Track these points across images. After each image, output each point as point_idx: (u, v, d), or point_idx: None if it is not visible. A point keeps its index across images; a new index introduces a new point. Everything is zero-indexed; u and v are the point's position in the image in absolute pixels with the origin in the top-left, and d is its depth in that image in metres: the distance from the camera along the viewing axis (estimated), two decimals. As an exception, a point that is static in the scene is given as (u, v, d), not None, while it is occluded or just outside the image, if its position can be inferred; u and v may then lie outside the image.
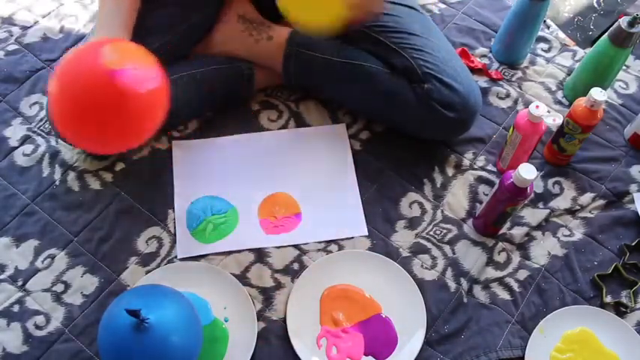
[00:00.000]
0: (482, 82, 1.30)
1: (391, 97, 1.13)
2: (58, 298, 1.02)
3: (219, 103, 1.23)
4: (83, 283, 1.04)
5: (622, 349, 1.01)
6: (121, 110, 0.85)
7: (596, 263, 1.11)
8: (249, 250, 1.08)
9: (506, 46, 1.31)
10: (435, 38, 1.14)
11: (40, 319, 1.00)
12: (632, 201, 1.17)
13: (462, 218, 1.14)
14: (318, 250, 1.09)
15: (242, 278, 1.05)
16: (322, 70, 1.17)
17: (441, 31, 1.23)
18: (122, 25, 1.02)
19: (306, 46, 1.17)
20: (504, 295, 1.07)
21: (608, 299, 1.07)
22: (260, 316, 1.02)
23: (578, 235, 1.13)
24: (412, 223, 1.13)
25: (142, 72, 0.86)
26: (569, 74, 1.33)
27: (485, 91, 1.29)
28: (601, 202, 1.17)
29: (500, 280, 1.08)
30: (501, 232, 1.12)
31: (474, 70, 1.31)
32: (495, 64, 1.34)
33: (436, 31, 1.18)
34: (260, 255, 1.08)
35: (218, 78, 1.18)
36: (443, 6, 1.44)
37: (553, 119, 1.25)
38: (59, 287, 1.03)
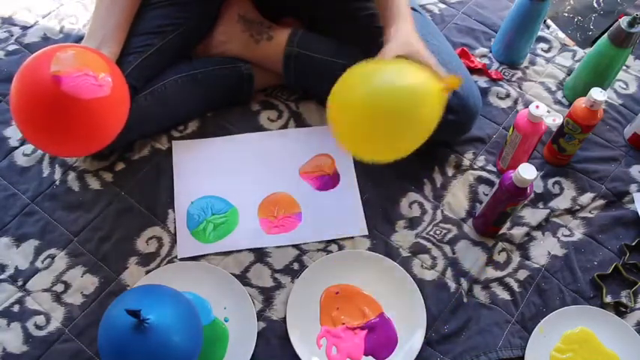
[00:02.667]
0: (482, 82, 1.30)
1: None
2: (58, 298, 1.02)
3: (219, 103, 1.23)
4: (83, 283, 1.04)
5: (622, 349, 1.01)
6: (64, 115, 0.88)
7: (596, 263, 1.11)
8: (249, 250, 1.08)
9: (506, 46, 1.31)
10: (435, 40, 1.13)
11: (40, 319, 1.00)
12: (632, 201, 1.17)
13: (462, 218, 1.14)
14: (318, 250, 1.09)
15: (242, 278, 1.05)
16: (322, 70, 1.17)
17: (441, 31, 1.23)
18: (117, 26, 1.04)
19: (305, 47, 1.17)
20: (504, 295, 1.07)
21: (608, 299, 1.07)
22: (260, 316, 1.02)
23: (578, 235, 1.13)
24: (412, 223, 1.13)
25: (89, 80, 0.88)
26: (569, 74, 1.33)
27: (485, 91, 1.29)
28: (601, 202, 1.17)
29: (500, 280, 1.08)
30: (501, 232, 1.12)
31: (474, 70, 1.32)
32: (495, 64, 1.34)
33: (436, 33, 1.18)
34: (260, 255, 1.08)
35: (218, 78, 1.18)
36: (443, 6, 1.44)
37: (553, 119, 1.25)
38: (59, 287, 1.03)
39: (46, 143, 0.95)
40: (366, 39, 1.14)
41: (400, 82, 0.86)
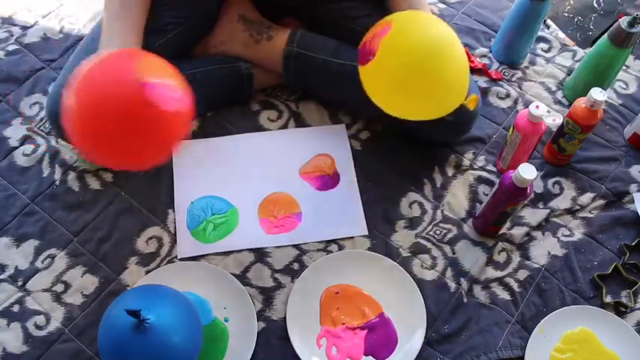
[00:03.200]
0: (482, 82, 1.30)
1: None
2: (58, 298, 1.02)
3: (219, 103, 1.23)
4: (83, 283, 1.04)
5: (622, 349, 1.01)
6: (146, 125, 0.81)
7: (596, 263, 1.11)
8: (249, 250, 1.08)
9: (506, 46, 1.31)
10: None
11: (40, 319, 1.00)
12: (632, 201, 1.17)
13: (462, 218, 1.14)
14: (318, 250, 1.09)
15: (242, 278, 1.05)
16: (321, 70, 1.17)
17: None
18: (133, 27, 1.00)
19: (305, 47, 1.17)
20: (504, 295, 1.07)
21: (608, 299, 1.07)
22: (260, 316, 1.02)
23: (578, 235, 1.13)
24: (412, 223, 1.13)
25: (170, 90, 0.82)
26: (569, 74, 1.33)
27: (485, 91, 1.29)
28: (601, 202, 1.17)
29: (500, 280, 1.08)
30: (501, 232, 1.12)
31: (474, 70, 1.31)
32: (495, 64, 1.34)
33: None
34: (260, 255, 1.08)
35: (218, 78, 1.18)
36: (443, 6, 1.44)
37: (553, 119, 1.25)
38: (59, 287, 1.03)
39: (107, 153, 0.85)
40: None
41: (442, 28, 0.92)
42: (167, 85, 0.82)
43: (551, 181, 1.19)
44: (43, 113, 1.21)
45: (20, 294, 1.03)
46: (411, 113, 0.95)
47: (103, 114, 0.80)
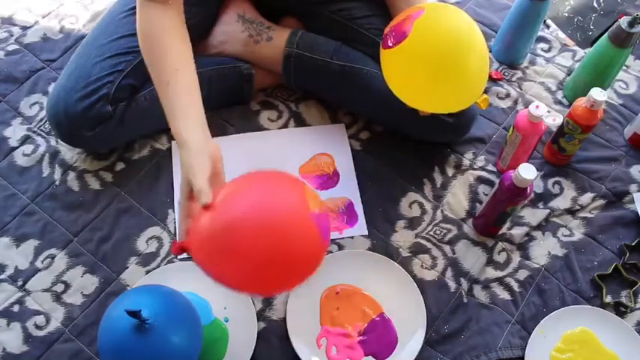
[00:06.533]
0: (482, 82, 1.30)
1: (389, 101, 1.13)
2: (58, 298, 1.02)
3: (220, 103, 1.23)
4: (83, 283, 1.04)
5: (622, 349, 1.01)
6: (308, 258, 0.75)
7: (596, 263, 1.11)
8: (249, 250, 1.08)
9: (506, 46, 1.31)
10: None
11: (40, 319, 1.00)
12: (632, 201, 1.17)
13: (462, 218, 1.14)
14: (318, 250, 1.09)
15: (242, 278, 1.05)
16: (321, 71, 1.17)
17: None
18: (200, 117, 0.91)
19: (305, 48, 1.17)
20: (504, 295, 1.07)
21: (608, 299, 1.07)
22: (260, 316, 1.02)
23: (578, 235, 1.13)
24: (412, 223, 1.13)
25: (330, 222, 0.78)
26: (569, 74, 1.33)
27: (485, 91, 1.29)
28: (601, 202, 1.17)
29: (500, 280, 1.08)
30: (501, 232, 1.12)
31: (474, 70, 1.31)
32: (495, 64, 1.34)
33: None
34: (260, 255, 1.08)
35: (218, 78, 1.18)
36: (443, 6, 1.44)
37: (553, 119, 1.25)
38: (59, 287, 1.03)
39: (253, 280, 0.76)
40: (366, 40, 1.14)
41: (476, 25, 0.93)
42: (328, 216, 0.79)
43: (551, 181, 1.19)
44: (43, 113, 1.21)
45: (20, 294, 1.03)
46: (431, 103, 0.94)
47: (273, 247, 0.73)
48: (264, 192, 0.77)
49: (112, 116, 1.07)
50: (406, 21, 0.91)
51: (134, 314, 0.80)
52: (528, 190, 0.99)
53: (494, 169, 1.20)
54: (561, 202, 1.16)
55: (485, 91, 1.29)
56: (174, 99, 0.89)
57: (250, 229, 0.73)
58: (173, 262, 1.06)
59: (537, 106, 1.04)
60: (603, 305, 1.06)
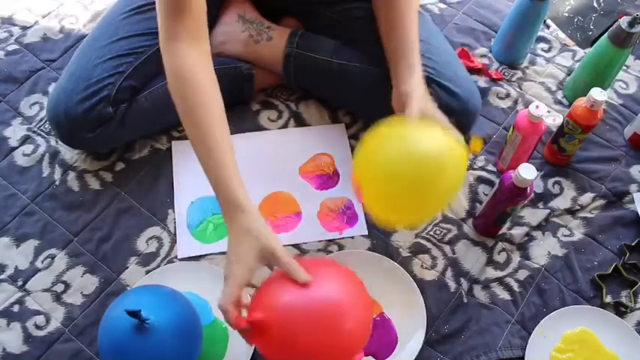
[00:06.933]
0: (482, 82, 1.30)
1: (390, 101, 1.13)
2: (58, 298, 1.02)
3: (219, 103, 1.22)
4: (83, 283, 1.04)
5: (622, 349, 1.01)
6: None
7: (596, 263, 1.11)
8: (249, 250, 1.08)
9: (506, 46, 1.31)
10: (435, 42, 1.13)
11: (40, 319, 1.00)
12: (632, 201, 1.17)
13: (462, 218, 1.14)
14: (318, 250, 1.09)
15: (242, 278, 1.05)
16: (321, 71, 1.17)
17: (441, 31, 1.22)
18: (237, 175, 0.87)
19: (305, 48, 1.17)
20: (504, 295, 1.07)
21: (608, 299, 1.07)
22: (260, 316, 1.02)
23: (578, 235, 1.13)
24: (412, 223, 1.13)
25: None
26: (569, 74, 1.33)
27: (485, 91, 1.29)
28: (601, 202, 1.17)
29: (500, 280, 1.08)
30: (501, 232, 1.12)
31: (474, 70, 1.31)
32: (495, 64, 1.34)
33: (437, 34, 1.18)
34: (260, 255, 1.08)
35: (218, 78, 1.17)
36: (443, 6, 1.44)
37: (553, 119, 1.25)
38: (59, 287, 1.03)
39: None
40: (366, 40, 1.14)
41: (427, 149, 0.85)
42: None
43: (551, 181, 1.19)
44: (43, 113, 1.21)
45: (20, 294, 1.03)
46: (406, 221, 0.97)
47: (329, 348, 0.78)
48: (347, 293, 0.82)
49: (113, 118, 1.07)
50: (356, 191, 0.90)
51: (134, 314, 0.80)
52: (528, 190, 0.98)
53: (494, 169, 1.20)
54: (561, 202, 1.16)
55: (485, 91, 1.29)
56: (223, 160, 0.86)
57: (320, 327, 0.77)
58: (173, 262, 1.06)
59: (537, 106, 1.04)
60: (603, 305, 1.06)
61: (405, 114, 0.90)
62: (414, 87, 0.95)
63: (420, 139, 0.86)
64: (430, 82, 1.08)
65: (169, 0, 0.86)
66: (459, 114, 1.09)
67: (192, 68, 0.88)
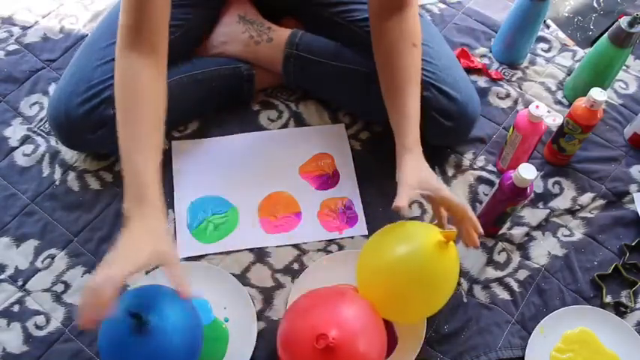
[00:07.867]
0: (482, 82, 1.30)
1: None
2: (58, 298, 1.02)
3: (220, 103, 1.23)
4: (83, 283, 1.04)
5: (622, 349, 1.01)
6: None
7: (596, 263, 1.11)
8: (249, 250, 1.08)
9: (506, 46, 1.31)
10: (435, 45, 1.13)
11: (40, 319, 1.00)
12: (632, 201, 1.17)
13: (462, 218, 1.14)
14: (318, 250, 1.09)
15: (242, 278, 1.05)
16: (320, 72, 1.17)
17: (440, 31, 1.22)
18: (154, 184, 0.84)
19: (305, 49, 1.17)
20: (504, 295, 1.07)
21: (608, 299, 1.07)
22: (260, 316, 1.02)
23: (578, 235, 1.13)
24: (412, 223, 1.13)
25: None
26: (569, 74, 1.33)
27: (485, 91, 1.29)
28: (601, 202, 1.17)
29: (500, 280, 1.08)
30: (501, 232, 1.12)
31: (474, 70, 1.31)
32: (495, 64, 1.34)
33: (437, 36, 1.18)
34: (260, 255, 1.08)
35: (218, 78, 1.18)
36: (443, 6, 1.44)
37: (553, 119, 1.25)
38: (59, 287, 1.03)
39: None
40: (366, 40, 1.14)
41: (406, 253, 0.90)
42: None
43: (551, 181, 1.19)
44: (43, 113, 1.21)
45: (20, 294, 1.03)
46: (409, 320, 1.00)
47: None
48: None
49: (114, 119, 1.07)
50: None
51: (135, 315, 0.80)
52: (528, 190, 0.98)
53: (494, 169, 1.20)
54: (561, 202, 1.16)
55: (486, 91, 1.29)
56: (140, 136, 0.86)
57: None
58: (173, 262, 1.06)
59: (537, 106, 1.04)
60: (603, 305, 1.06)
61: (394, 204, 0.89)
62: (406, 172, 0.94)
63: (398, 245, 0.91)
64: (429, 86, 1.08)
65: (131, 8, 0.86)
66: (458, 119, 1.10)
67: (141, 82, 0.88)
